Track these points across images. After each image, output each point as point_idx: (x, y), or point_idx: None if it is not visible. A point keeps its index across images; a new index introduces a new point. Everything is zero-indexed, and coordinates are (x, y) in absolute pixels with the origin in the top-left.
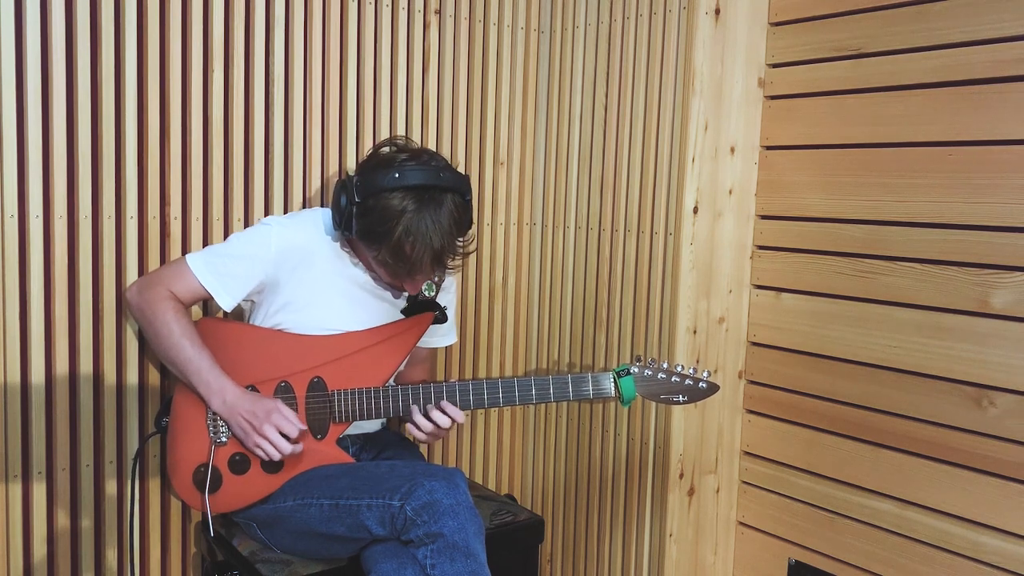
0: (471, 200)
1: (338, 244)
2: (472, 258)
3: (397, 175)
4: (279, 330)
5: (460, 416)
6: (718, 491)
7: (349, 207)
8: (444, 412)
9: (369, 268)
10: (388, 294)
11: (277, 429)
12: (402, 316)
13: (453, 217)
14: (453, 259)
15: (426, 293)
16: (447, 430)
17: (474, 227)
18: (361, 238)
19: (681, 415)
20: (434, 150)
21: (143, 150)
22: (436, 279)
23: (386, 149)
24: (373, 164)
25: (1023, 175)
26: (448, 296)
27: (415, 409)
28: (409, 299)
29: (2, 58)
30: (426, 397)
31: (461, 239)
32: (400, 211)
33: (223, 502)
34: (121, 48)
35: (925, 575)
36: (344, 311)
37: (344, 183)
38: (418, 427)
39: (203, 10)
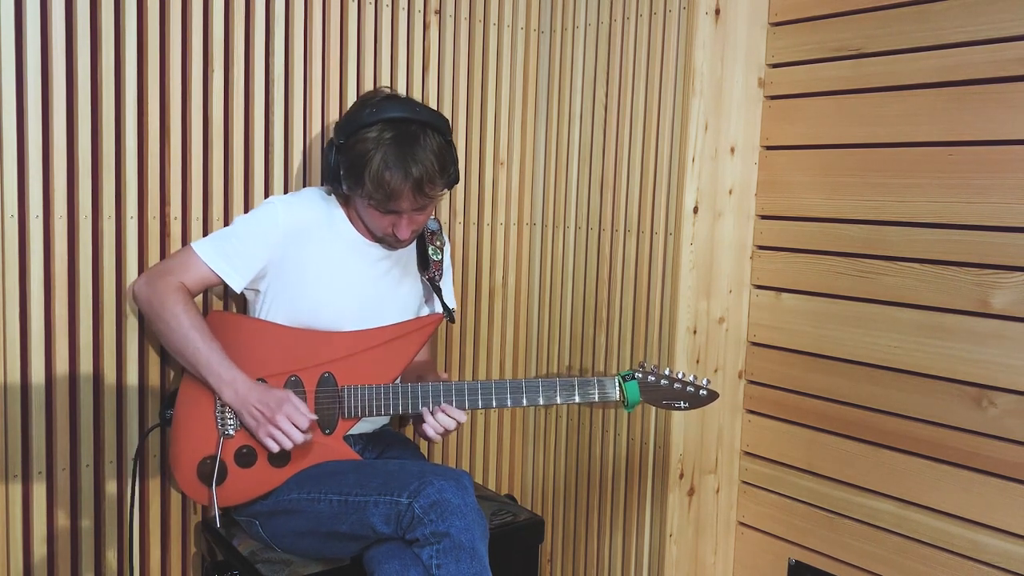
0: (452, 142)
1: (340, 219)
2: (472, 258)
3: (374, 110)
4: (289, 324)
5: (462, 416)
6: (718, 491)
7: (336, 155)
8: (447, 414)
9: (362, 225)
10: (395, 270)
11: (288, 419)
12: (407, 292)
13: (433, 151)
14: (434, 188)
15: (433, 257)
16: (452, 431)
17: (459, 166)
18: (346, 180)
19: (681, 415)
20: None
21: (143, 150)
22: (439, 243)
23: (366, 95)
24: (353, 108)
25: (1023, 175)
26: (444, 258)
27: (426, 411)
28: (421, 264)
29: (2, 58)
30: (435, 396)
31: (443, 175)
32: (377, 141)
33: (228, 495)
34: (121, 48)
35: (925, 575)
36: (348, 286)
37: (330, 140)
38: (431, 428)
39: (203, 10)
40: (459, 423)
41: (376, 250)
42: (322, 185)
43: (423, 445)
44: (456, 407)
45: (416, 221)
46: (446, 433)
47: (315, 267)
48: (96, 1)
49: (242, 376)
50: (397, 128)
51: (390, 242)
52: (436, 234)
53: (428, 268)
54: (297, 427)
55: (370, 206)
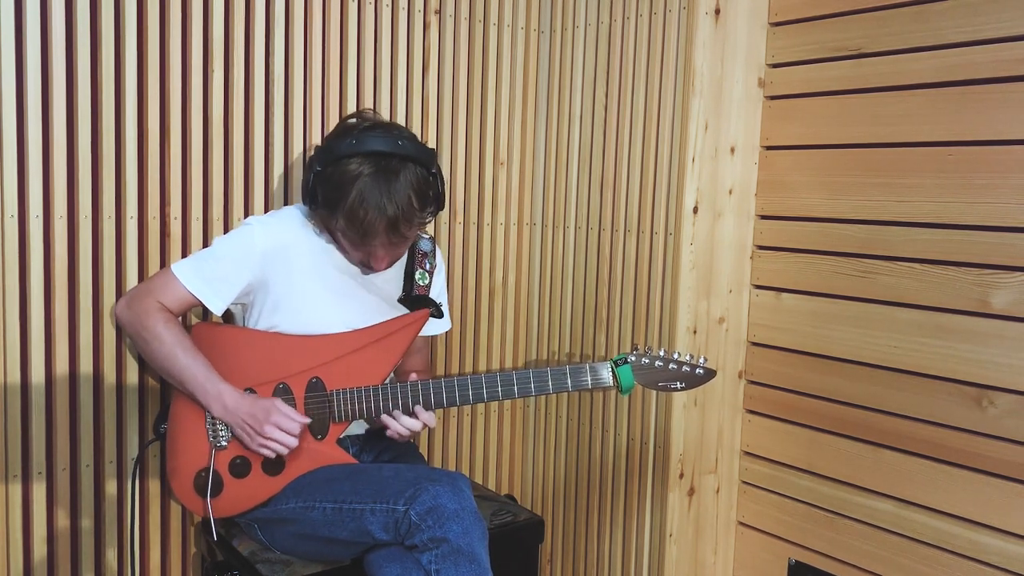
0: (438, 174)
1: (322, 237)
2: (472, 258)
3: (354, 141)
4: (275, 331)
5: (431, 420)
6: (718, 491)
7: (313, 177)
8: (415, 416)
9: (340, 247)
10: (379, 285)
11: (278, 427)
12: (395, 308)
13: (412, 187)
14: (410, 227)
15: (419, 282)
16: (418, 432)
17: (444, 202)
18: (322, 207)
19: (681, 415)
20: (403, 125)
21: (143, 150)
22: (428, 265)
23: (350, 119)
24: (334, 133)
25: (1023, 175)
26: (438, 279)
27: (396, 413)
28: (405, 289)
29: (2, 58)
30: (425, 394)
31: (422, 212)
32: (355, 176)
33: (225, 506)
34: (121, 48)
35: (925, 575)
36: (336, 304)
37: (310, 158)
38: (396, 430)
39: (203, 10)
40: (427, 425)
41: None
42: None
43: (422, 444)
44: (448, 404)
45: (393, 253)
46: (411, 435)
47: (298, 284)
48: (96, 1)
49: (229, 389)
50: (377, 163)
51: (366, 265)
52: (428, 255)
53: (411, 292)
54: (289, 433)
55: (345, 238)
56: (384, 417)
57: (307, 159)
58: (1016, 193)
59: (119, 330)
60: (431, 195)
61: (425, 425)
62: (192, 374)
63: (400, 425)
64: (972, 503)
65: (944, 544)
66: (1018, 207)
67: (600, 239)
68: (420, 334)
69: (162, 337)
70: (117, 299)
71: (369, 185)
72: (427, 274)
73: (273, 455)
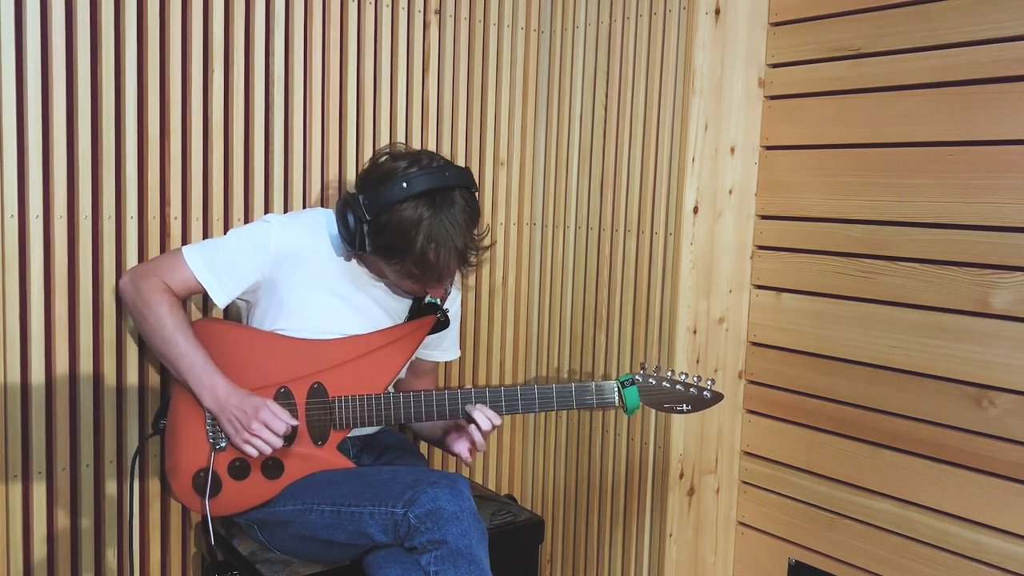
0: (476, 191)
1: (338, 248)
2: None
3: (405, 184)
4: (278, 333)
5: (497, 418)
6: (718, 491)
7: (359, 226)
8: (485, 415)
9: (385, 277)
10: (389, 298)
11: (266, 425)
12: (404, 320)
13: (466, 213)
14: (476, 255)
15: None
16: (488, 433)
17: (485, 216)
18: (379, 254)
19: (681, 415)
20: (432, 150)
21: (143, 150)
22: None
23: (382, 159)
24: (376, 178)
25: (1023, 175)
26: (452, 309)
27: (474, 411)
28: (412, 305)
29: (2, 58)
30: (428, 406)
31: (477, 232)
32: (417, 220)
33: (223, 506)
34: (121, 48)
35: (925, 575)
36: (342, 313)
37: (348, 202)
38: (479, 427)
39: (203, 10)
40: (494, 425)
41: (385, 282)
42: (328, 208)
43: (423, 447)
44: (450, 417)
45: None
46: (486, 436)
47: (307, 289)
48: (96, 1)
49: (223, 381)
50: (432, 201)
51: (419, 293)
52: None
53: (419, 304)
54: (275, 432)
55: (410, 278)
56: (469, 410)
57: (341, 203)
58: (1016, 193)
59: (119, 329)
60: (477, 211)
61: (492, 424)
62: (189, 362)
63: (485, 419)
64: (972, 503)
65: (944, 544)
66: (1018, 207)
67: (600, 239)
68: (429, 359)
69: (164, 320)
70: (117, 299)
71: (434, 226)
72: (435, 297)
73: (256, 453)
